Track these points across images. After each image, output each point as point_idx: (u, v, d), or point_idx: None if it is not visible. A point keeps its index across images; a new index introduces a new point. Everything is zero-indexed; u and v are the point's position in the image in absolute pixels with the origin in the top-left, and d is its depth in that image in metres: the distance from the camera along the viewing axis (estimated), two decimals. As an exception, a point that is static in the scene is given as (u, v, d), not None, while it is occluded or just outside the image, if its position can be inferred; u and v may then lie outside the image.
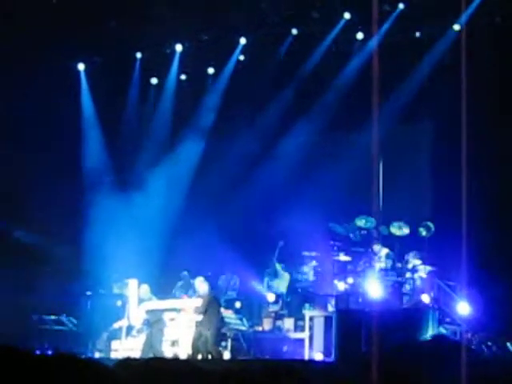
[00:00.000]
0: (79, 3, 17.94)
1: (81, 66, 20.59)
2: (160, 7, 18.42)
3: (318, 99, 18.99)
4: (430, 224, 17.22)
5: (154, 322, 16.23)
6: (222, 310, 16.06)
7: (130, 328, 16.86)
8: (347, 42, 19.04)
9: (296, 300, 17.33)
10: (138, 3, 18.37)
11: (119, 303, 17.45)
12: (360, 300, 16.01)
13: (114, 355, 16.47)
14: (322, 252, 17.42)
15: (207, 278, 16.28)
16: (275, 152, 19.41)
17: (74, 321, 17.84)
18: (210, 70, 20.50)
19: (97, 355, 16.74)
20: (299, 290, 17.39)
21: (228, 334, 16.37)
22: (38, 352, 15.46)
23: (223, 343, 16.07)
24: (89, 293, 18.39)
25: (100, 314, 18.00)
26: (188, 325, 16.10)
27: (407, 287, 16.33)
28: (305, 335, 15.87)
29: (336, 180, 17.67)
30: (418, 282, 16.37)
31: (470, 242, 15.31)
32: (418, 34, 18.24)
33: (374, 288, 15.90)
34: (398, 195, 17.61)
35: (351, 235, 17.66)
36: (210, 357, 15.04)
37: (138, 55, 20.38)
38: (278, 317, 17.15)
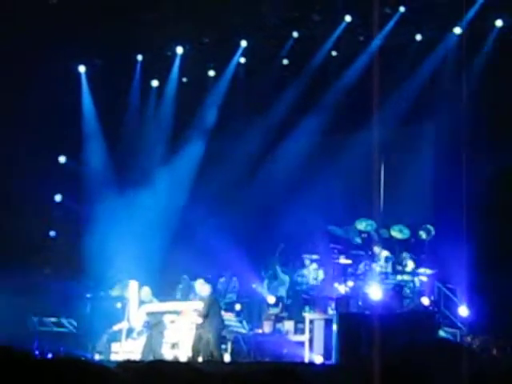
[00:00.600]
0: (79, 5, 17.96)
1: (81, 69, 20.59)
2: (161, 10, 18.43)
3: (319, 102, 18.99)
4: (431, 227, 17.24)
5: (154, 325, 16.21)
6: (222, 312, 16.05)
7: (130, 330, 16.84)
8: (348, 45, 19.04)
9: (296, 303, 17.34)
10: (139, 6, 18.38)
11: (119, 305, 17.44)
12: (360, 303, 16.01)
13: (114, 357, 16.45)
14: (322, 255, 17.43)
15: (207, 281, 16.27)
16: (275, 155, 19.42)
17: (74, 323, 17.82)
18: (211, 73, 20.52)
19: (97, 357, 16.73)
20: (299, 293, 17.40)
21: (228, 336, 16.37)
22: (37, 354, 15.51)
23: (223, 346, 16.05)
24: (89, 295, 18.39)
25: (100, 316, 17.98)
26: (188, 327, 16.08)
27: (407, 290, 16.33)
28: (305, 338, 15.86)
29: (336, 182, 17.67)
30: (418, 285, 16.39)
31: (470, 245, 15.33)
32: (418, 37, 18.25)
33: (375, 291, 15.90)
34: (398, 198, 17.63)
35: (351, 238, 17.67)
36: (210, 359, 15.03)
37: (139, 57, 20.38)
38: (278, 319, 17.15)
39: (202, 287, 15.75)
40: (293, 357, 15.82)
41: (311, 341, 15.69)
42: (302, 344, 15.88)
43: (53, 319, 17.74)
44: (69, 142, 20.05)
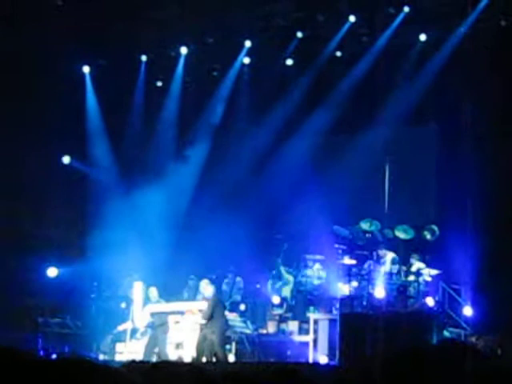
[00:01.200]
0: (84, 5, 17.98)
1: (86, 69, 20.60)
2: (165, 10, 18.44)
3: (323, 102, 18.99)
4: (435, 227, 17.24)
5: (158, 325, 16.22)
6: (227, 312, 16.05)
7: (134, 330, 16.86)
8: (352, 45, 19.03)
9: (300, 303, 17.34)
10: (143, 6, 18.39)
11: (124, 305, 17.46)
12: (364, 303, 16.00)
13: (118, 358, 16.47)
14: (327, 255, 17.42)
15: (212, 281, 16.28)
16: (280, 155, 19.41)
17: (79, 323, 17.84)
18: (215, 73, 20.52)
19: (101, 358, 16.74)
20: (304, 293, 17.39)
21: (232, 336, 16.36)
22: (41, 354, 15.53)
23: (228, 346, 16.05)
24: (93, 295, 18.41)
25: (104, 316, 18.01)
26: (192, 327, 16.08)
27: (412, 290, 16.32)
28: (309, 338, 15.86)
29: (341, 183, 17.66)
30: (423, 286, 16.38)
31: (475, 245, 15.34)
32: (422, 37, 18.23)
33: (379, 291, 15.89)
34: (402, 198, 17.61)
35: (356, 238, 17.67)
36: (214, 359, 15.03)
37: (143, 58, 20.38)
38: (283, 320, 17.15)
39: (206, 288, 15.75)
40: (297, 357, 15.82)
41: (315, 341, 15.69)
42: (306, 344, 15.88)
43: (57, 320, 17.77)
44: (73, 143, 20.05)
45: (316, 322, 15.91)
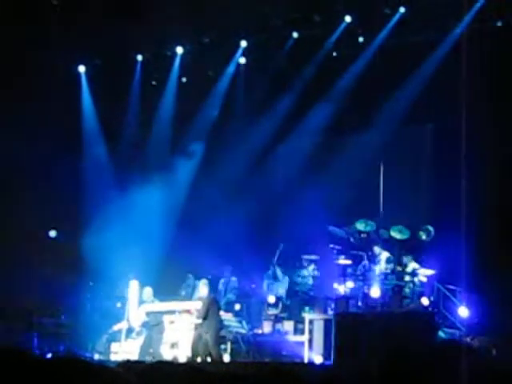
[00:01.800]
0: (80, 5, 17.96)
1: (81, 69, 20.59)
2: (161, 10, 18.42)
3: (319, 103, 18.99)
4: (430, 228, 17.24)
5: (153, 325, 16.22)
6: (222, 312, 16.05)
7: (129, 330, 16.85)
8: (348, 45, 19.04)
9: (296, 303, 17.35)
10: (139, 5, 18.37)
11: (119, 305, 17.45)
12: (360, 303, 16.02)
13: (113, 357, 16.46)
14: (322, 255, 17.43)
15: (208, 281, 16.29)
16: (275, 156, 19.42)
17: (74, 323, 17.83)
18: (211, 73, 20.51)
19: (96, 357, 16.74)
20: (299, 293, 17.40)
21: (228, 336, 16.37)
22: (37, 353, 15.51)
23: (223, 346, 16.06)
24: (88, 295, 18.40)
25: (100, 316, 18.00)
26: (188, 327, 16.09)
27: (407, 291, 16.34)
28: (304, 338, 15.87)
29: (336, 183, 17.66)
30: (418, 286, 16.39)
31: (470, 245, 15.34)
32: (418, 38, 18.23)
33: (374, 291, 15.91)
34: (398, 199, 17.62)
35: (351, 239, 17.68)
36: (209, 359, 15.04)
37: (139, 57, 20.38)
38: (278, 320, 17.16)
39: (203, 287, 15.77)
40: (292, 357, 15.83)
41: (311, 341, 15.70)
42: (301, 344, 15.88)
43: (52, 319, 17.75)
44: (69, 143, 20.02)
45: (311, 321, 15.91)
